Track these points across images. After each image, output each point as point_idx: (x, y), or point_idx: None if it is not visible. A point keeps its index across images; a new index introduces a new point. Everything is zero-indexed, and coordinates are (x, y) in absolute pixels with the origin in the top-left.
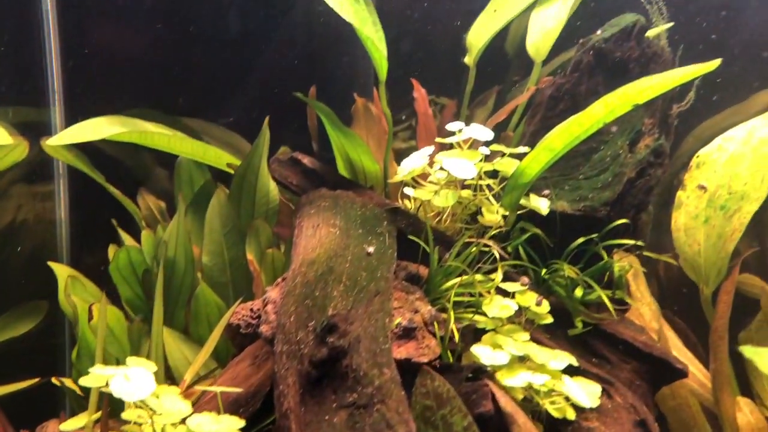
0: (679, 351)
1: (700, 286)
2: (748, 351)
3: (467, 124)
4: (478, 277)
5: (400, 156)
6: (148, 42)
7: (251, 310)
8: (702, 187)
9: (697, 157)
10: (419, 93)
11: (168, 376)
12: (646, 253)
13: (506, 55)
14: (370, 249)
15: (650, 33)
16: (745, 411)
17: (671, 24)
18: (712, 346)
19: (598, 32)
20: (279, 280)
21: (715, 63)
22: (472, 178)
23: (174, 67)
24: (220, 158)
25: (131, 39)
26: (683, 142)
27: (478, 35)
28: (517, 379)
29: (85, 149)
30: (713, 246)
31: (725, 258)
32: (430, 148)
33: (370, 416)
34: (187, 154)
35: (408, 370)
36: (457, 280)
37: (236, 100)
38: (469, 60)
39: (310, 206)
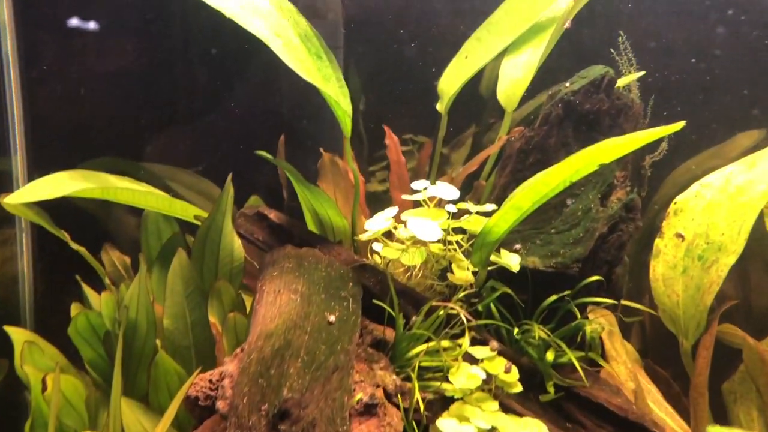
0: (659, 406)
1: (680, 339)
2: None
3: (443, 165)
4: (445, 343)
5: (375, 199)
6: (115, 89)
7: (210, 381)
8: (680, 236)
9: (675, 203)
10: (391, 140)
11: None
12: (624, 302)
13: (482, 96)
14: (332, 318)
15: (620, 82)
16: None
17: (641, 73)
18: (692, 404)
19: (567, 84)
20: (238, 350)
21: (679, 125)
22: (440, 237)
23: (143, 114)
24: (187, 211)
25: (97, 86)
26: (663, 184)
27: (450, 82)
28: None
29: (49, 201)
30: (691, 298)
31: (704, 311)
32: (394, 209)
33: None
34: (153, 208)
35: None
36: (423, 347)
37: (207, 146)
38: (440, 107)
39: (273, 267)
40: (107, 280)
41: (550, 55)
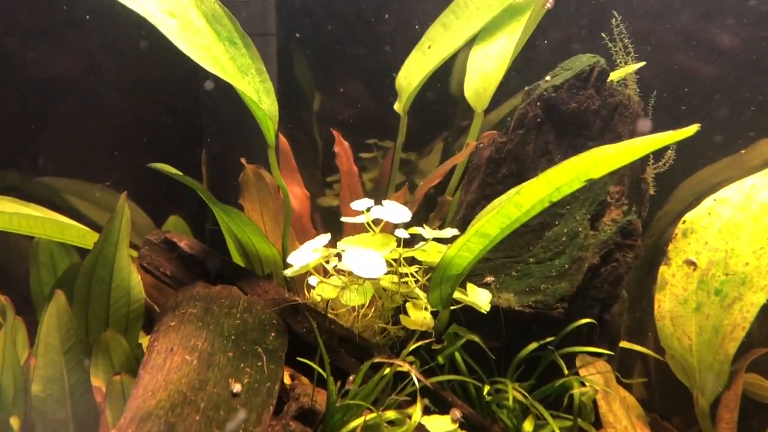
0: None
1: (695, 394)
2: None
3: (412, 175)
4: (390, 414)
5: (332, 216)
6: (9, 99)
7: None
8: (691, 263)
9: (684, 222)
10: (341, 147)
11: None
12: (623, 344)
13: (453, 97)
14: (237, 387)
15: (614, 76)
16: None
17: (641, 64)
18: None
19: (547, 77)
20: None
21: (692, 129)
22: (391, 265)
23: (39, 122)
24: (84, 237)
25: None
26: (670, 198)
27: (409, 77)
28: None
29: None
30: (708, 343)
31: (724, 361)
32: (325, 237)
33: None
34: (39, 235)
35: None
36: (360, 420)
37: (119, 160)
38: (399, 107)
39: (172, 315)
40: None
41: (534, 43)
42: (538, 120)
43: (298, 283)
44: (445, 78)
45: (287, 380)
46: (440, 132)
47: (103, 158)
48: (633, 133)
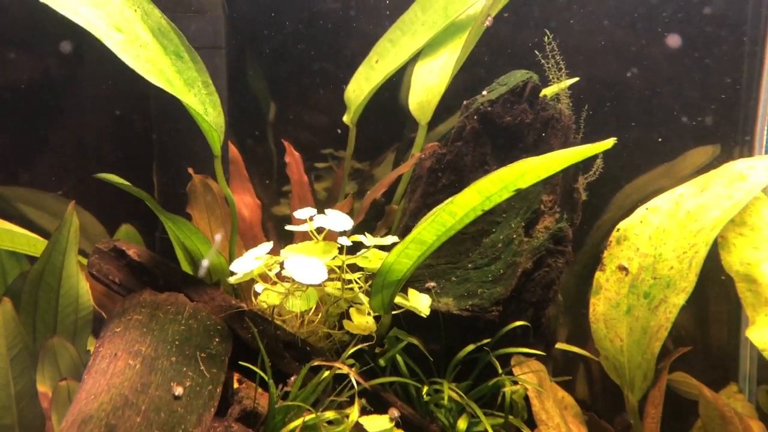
0: None
1: (625, 392)
2: None
3: (366, 184)
4: (329, 414)
5: (286, 223)
6: None
7: None
8: (623, 269)
9: (617, 230)
10: (292, 157)
11: None
12: (560, 346)
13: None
14: (179, 390)
15: (547, 91)
16: None
17: (574, 80)
18: None
19: (484, 92)
20: None
21: (609, 142)
22: (335, 272)
23: None
24: (35, 246)
25: None
26: (608, 206)
27: (358, 90)
28: None
29: None
30: (637, 343)
31: (651, 359)
32: (267, 245)
33: None
34: None
35: None
36: (299, 421)
37: (72, 169)
38: (347, 119)
39: (118, 321)
40: None
41: (481, 60)
42: (476, 133)
43: (245, 290)
44: (395, 91)
45: (236, 384)
46: (392, 143)
47: (56, 167)
48: (564, 145)
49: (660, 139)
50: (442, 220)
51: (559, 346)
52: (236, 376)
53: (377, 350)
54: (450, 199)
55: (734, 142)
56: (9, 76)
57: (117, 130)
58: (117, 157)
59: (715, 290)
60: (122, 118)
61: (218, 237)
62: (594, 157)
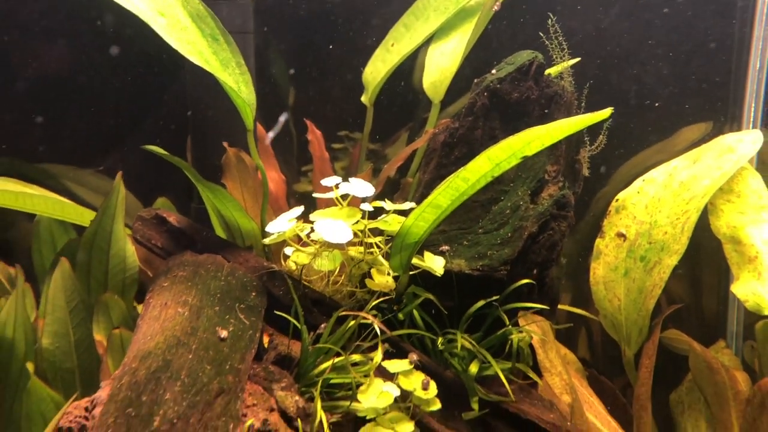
0: (601, 420)
1: (622, 347)
2: None
3: (380, 163)
4: (355, 357)
5: (307, 200)
6: (7, 86)
7: (86, 409)
8: (621, 235)
9: (617, 200)
10: (314, 135)
11: None
12: (561, 307)
13: (417, 91)
14: (224, 333)
15: (552, 71)
16: None
17: (575, 60)
18: (635, 416)
19: (493, 71)
20: (116, 372)
21: (606, 112)
22: (357, 236)
23: (37, 110)
24: (82, 215)
25: None
26: (609, 180)
27: (375, 72)
28: None
29: None
30: (633, 302)
31: (645, 316)
32: (298, 209)
33: None
34: (41, 212)
35: None
36: (329, 363)
37: (110, 145)
38: (365, 99)
39: (164, 277)
40: None
41: (490, 44)
42: (486, 108)
43: (275, 254)
44: (409, 75)
45: (266, 340)
46: (405, 123)
47: (95, 145)
48: None
49: (655, 118)
50: (456, 186)
51: (561, 307)
52: (267, 331)
53: (395, 307)
54: (465, 166)
55: (724, 118)
56: (50, 59)
57: (153, 109)
58: (153, 134)
59: (707, 258)
60: (158, 98)
61: None
62: (599, 133)
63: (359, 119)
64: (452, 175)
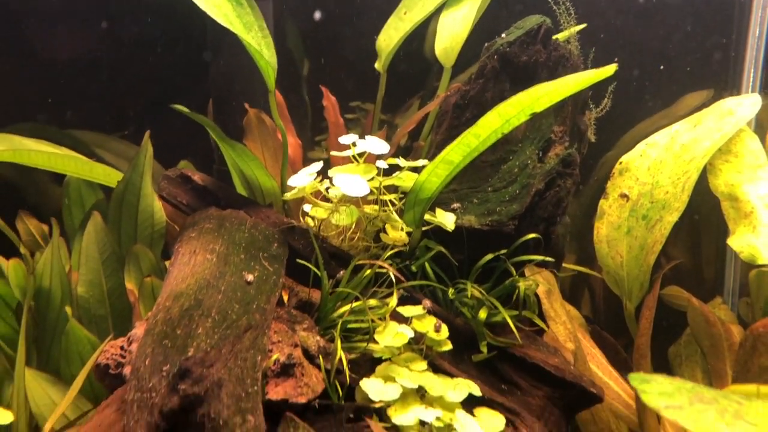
0: (602, 370)
1: (624, 301)
2: (634, 379)
3: (391, 133)
4: (373, 302)
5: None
6: (36, 54)
7: (121, 347)
8: (624, 196)
9: (620, 163)
10: (329, 101)
11: (32, 423)
12: (566, 265)
13: (428, 60)
14: (250, 277)
15: (559, 36)
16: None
17: (582, 26)
18: (635, 366)
19: (503, 35)
20: (151, 311)
21: (611, 68)
22: (372, 193)
23: (64, 79)
24: (110, 176)
25: (17, 52)
26: (614, 146)
27: (388, 39)
28: (409, 416)
29: None
30: (635, 258)
31: (647, 271)
32: (318, 164)
33: None
34: (71, 173)
35: (284, 411)
36: (348, 306)
37: (133, 111)
38: (379, 65)
39: (192, 229)
40: (23, 250)
41: (500, 12)
42: (496, 71)
43: (294, 212)
44: (420, 46)
45: (285, 296)
46: (416, 92)
47: (119, 112)
48: None
49: (659, 85)
50: (467, 142)
51: (567, 265)
52: (285, 294)
53: (408, 261)
54: (476, 122)
55: (725, 85)
56: (76, 32)
57: (175, 74)
58: (176, 100)
59: (705, 225)
60: (180, 64)
61: None
62: (603, 96)
63: (372, 90)
64: (464, 132)
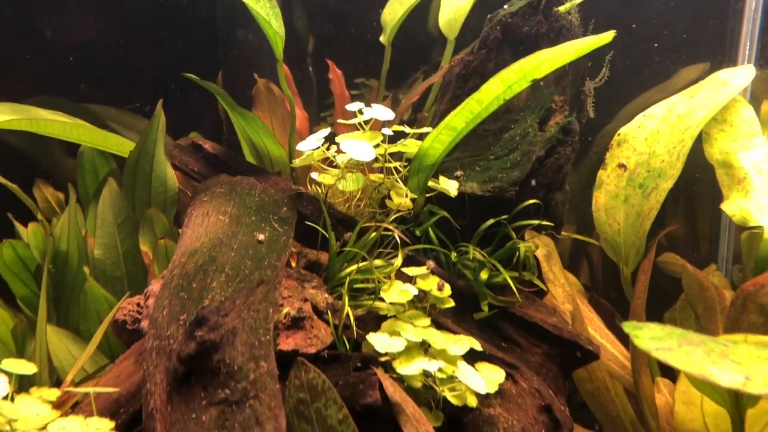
0: (599, 332)
1: (620, 266)
2: (627, 326)
3: (395, 107)
4: (378, 262)
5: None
6: (50, 28)
7: (138, 304)
8: (622, 166)
9: (618, 135)
10: (335, 74)
11: (55, 377)
12: (565, 233)
13: (431, 35)
14: (261, 236)
15: (561, 8)
16: (664, 392)
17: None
18: None
19: (506, 6)
20: (165, 271)
21: (609, 35)
22: (378, 161)
23: (76, 52)
24: (122, 146)
25: (31, 25)
26: (612, 120)
27: (393, 12)
28: (414, 367)
29: None
30: (632, 225)
31: (643, 237)
32: (326, 131)
33: (241, 413)
34: (85, 142)
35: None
36: (354, 267)
37: (143, 84)
38: (384, 39)
39: (204, 194)
40: (40, 216)
41: None
42: (498, 41)
43: (302, 179)
44: (424, 20)
45: (293, 262)
46: (420, 67)
47: (129, 85)
48: None
49: (657, 60)
50: (470, 108)
51: (566, 234)
52: (293, 261)
53: (412, 228)
54: (479, 89)
55: (722, 58)
56: (90, 7)
57: (185, 47)
58: (186, 71)
59: (701, 200)
60: (191, 37)
61: None
62: (601, 67)
63: (376, 67)
64: (468, 98)
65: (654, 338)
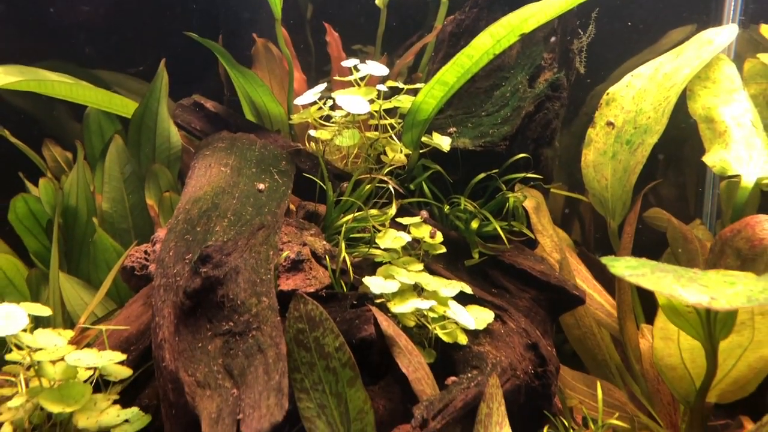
0: (587, 282)
1: (608, 220)
2: (605, 259)
3: (392, 71)
4: (373, 212)
5: None
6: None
7: (145, 252)
8: (610, 124)
9: (607, 94)
10: (332, 36)
11: (68, 321)
12: (554, 191)
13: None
14: (261, 186)
15: None
16: (647, 337)
17: None
18: (616, 279)
19: None
20: (171, 220)
21: None
22: (373, 118)
23: (79, 17)
24: (127, 107)
25: None
26: (605, 81)
27: None
28: (407, 306)
29: None
30: (619, 180)
31: (629, 191)
32: (322, 86)
33: (244, 342)
34: (91, 103)
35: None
36: (351, 216)
37: (145, 48)
38: (379, 1)
39: (206, 148)
40: (49, 174)
41: None
42: (489, 0)
43: (300, 138)
44: None
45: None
46: (415, 32)
47: (130, 49)
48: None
49: (646, 22)
50: (461, 63)
51: (556, 191)
52: (295, 201)
53: (406, 185)
54: (467, 46)
55: (708, 18)
56: None
57: (186, 13)
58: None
59: (688, 158)
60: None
61: None
62: (587, 23)
63: (373, 33)
64: (458, 54)
65: (629, 267)
